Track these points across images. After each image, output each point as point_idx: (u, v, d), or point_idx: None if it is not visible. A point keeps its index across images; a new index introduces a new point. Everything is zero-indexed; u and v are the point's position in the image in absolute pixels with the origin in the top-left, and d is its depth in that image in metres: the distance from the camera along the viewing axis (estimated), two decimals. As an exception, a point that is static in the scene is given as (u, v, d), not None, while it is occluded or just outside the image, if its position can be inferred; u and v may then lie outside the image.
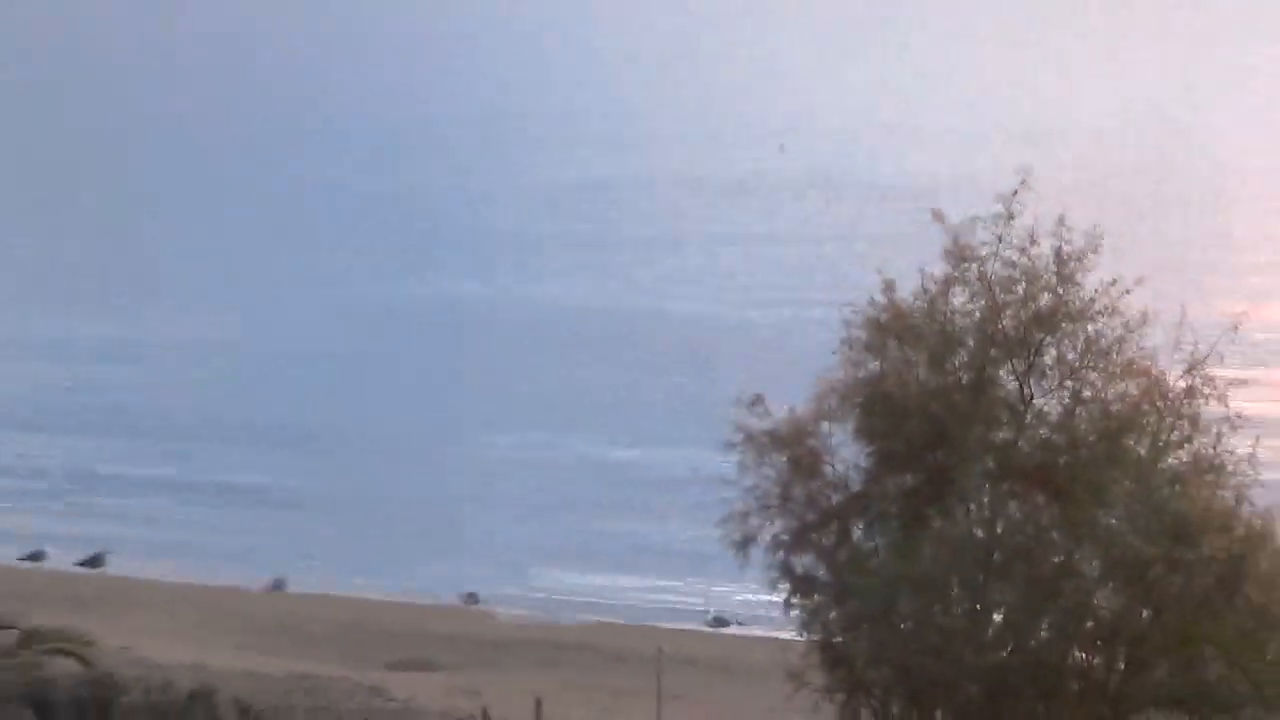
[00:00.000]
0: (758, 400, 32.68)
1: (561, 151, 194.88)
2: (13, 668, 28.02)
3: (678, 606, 54.67)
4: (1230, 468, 31.45)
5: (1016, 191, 32.20)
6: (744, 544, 32.78)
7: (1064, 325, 31.95)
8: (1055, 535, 31.16)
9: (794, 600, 32.82)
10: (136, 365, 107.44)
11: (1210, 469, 31.25)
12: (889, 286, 32.92)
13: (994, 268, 32.38)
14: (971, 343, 32.39)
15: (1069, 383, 32.01)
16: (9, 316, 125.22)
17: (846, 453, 33.03)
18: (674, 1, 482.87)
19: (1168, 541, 29.79)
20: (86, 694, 26.43)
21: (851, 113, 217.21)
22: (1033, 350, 32.03)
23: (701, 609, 56.47)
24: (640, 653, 50.53)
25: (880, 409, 31.94)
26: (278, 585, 64.17)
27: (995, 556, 31.41)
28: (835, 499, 32.20)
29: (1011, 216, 32.27)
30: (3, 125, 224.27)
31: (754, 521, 32.15)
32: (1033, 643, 30.62)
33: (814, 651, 32.40)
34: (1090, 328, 31.93)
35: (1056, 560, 30.98)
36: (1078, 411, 31.94)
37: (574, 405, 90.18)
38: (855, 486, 32.25)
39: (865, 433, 32.30)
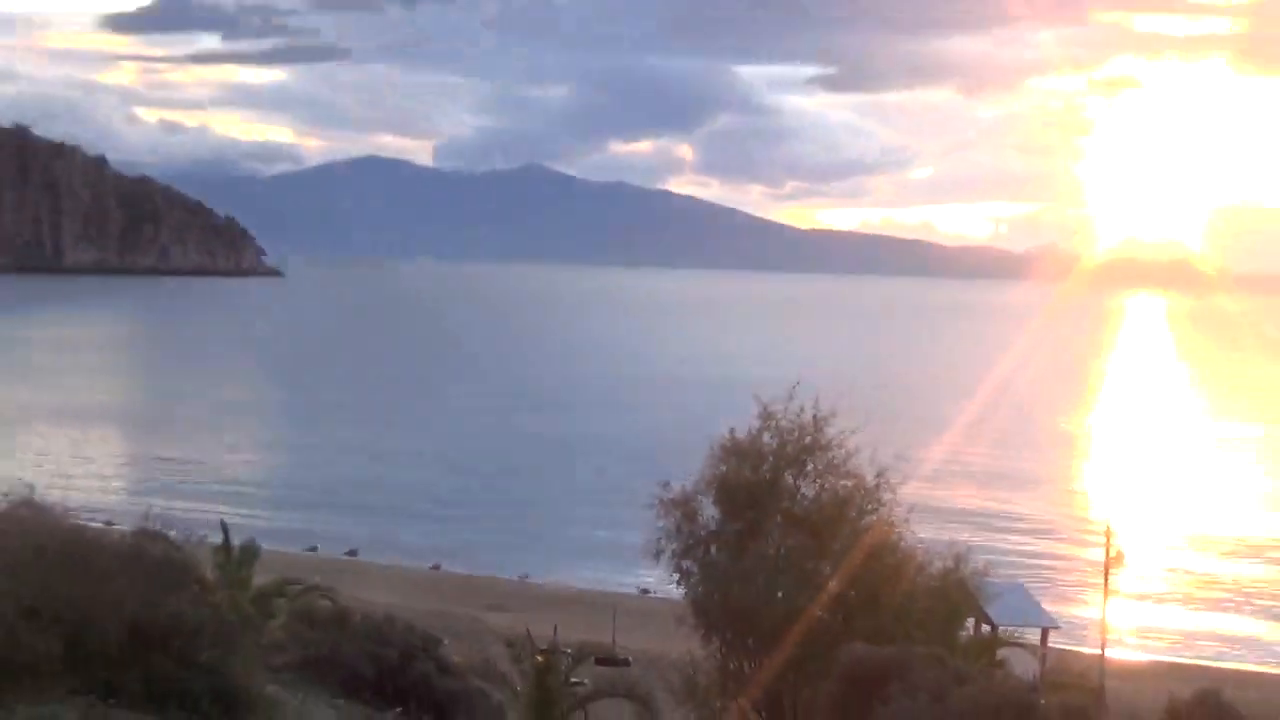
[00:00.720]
0: (666, 484, 33.50)
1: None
2: (298, 603, 28.30)
3: (624, 583, 54.89)
4: (897, 524, 32.72)
5: (794, 388, 33.48)
6: (658, 554, 33.59)
7: (816, 452, 33.03)
8: (809, 554, 32.12)
9: (680, 582, 33.76)
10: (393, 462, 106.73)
11: (887, 524, 32.43)
12: (733, 432, 33.80)
13: (783, 424, 33.34)
14: (771, 459, 33.32)
15: (818, 480, 33.07)
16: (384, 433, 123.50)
17: (709, 511, 33.71)
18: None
19: (864, 557, 30.93)
20: (332, 617, 26.77)
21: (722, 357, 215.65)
22: (801, 464, 33.12)
23: (636, 585, 56.89)
24: (606, 604, 51.65)
25: (726, 490, 32.90)
26: (435, 567, 64.87)
27: (780, 563, 32.33)
28: (703, 534, 33.09)
29: (791, 398, 33.34)
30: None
31: (663, 543, 32.97)
32: (798, 605, 30.73)
33: (689, 606, 33.26)
34: (829, 454, 33.02)
35: (809, 566, 31.86)
36: (822, 494, 32.96)
37: (581, 489, 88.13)
38: (713, 527, 33.10)
39: (718, 501, 33.17)
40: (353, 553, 69.22)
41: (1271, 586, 54.26)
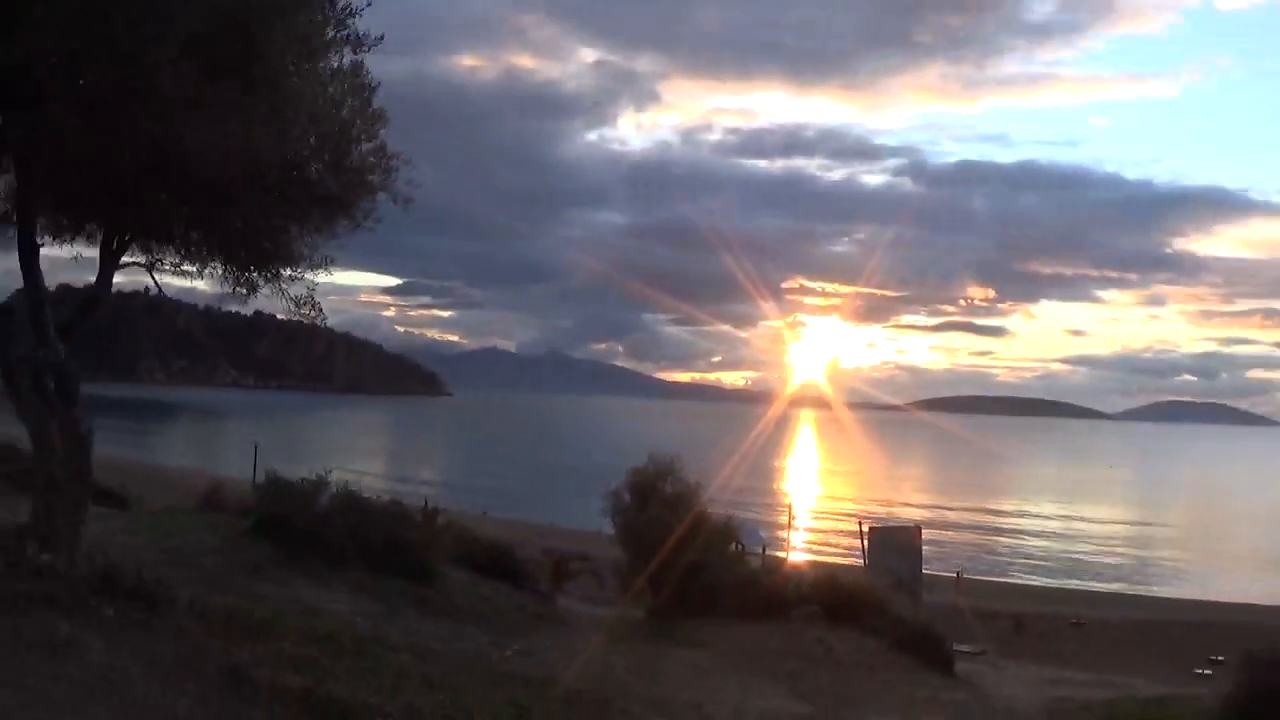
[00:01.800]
0: (609, 485, 32.26)
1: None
2: (457, 531, 27.49)
3: (593, 526, 53.92)
4: (704, 504, 30.72)
5: (664, 447, 32.00)
6: (605, 514, 32.05)
7: (671, 474, 31.03)
8: (669, 517, 30.18)
9: (615, 528, 32.32)
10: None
11: (700, 504, 30.69)
12: (635, 467, 32.39)
13: (658, 460, 31.55)
14: (652, 474, 31.12)
15: (671, 485, 30.64)
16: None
17: (626, 497, 32.06)
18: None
19: (691, 519, 28.75)
20: (470, 538, 26.20)
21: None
22: (665, 478, 31.35)
23: (599, 527, 55.65)
24: (586, 535, 49.91)
25: (633, 488, 31.42)
26: (513, 519, 63.43)
27: (654, 519, 30.67)
28: (623, 505, 31.48)
29: (663, 449, 31.26)
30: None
31: (607, 509, 31.63)
32: (662, 538, 26.14)
33: (618, 536, 31.79)
34: (676, 473, 31.33)
35: (667, 521, 30.02)
36: (673, 490, 31.10)
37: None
38: (628, 503, 31.64)
39: (630, 493, 31.35)
40: (484, 512, 65.94)
41: (851, 527, 54.69)
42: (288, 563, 16.34)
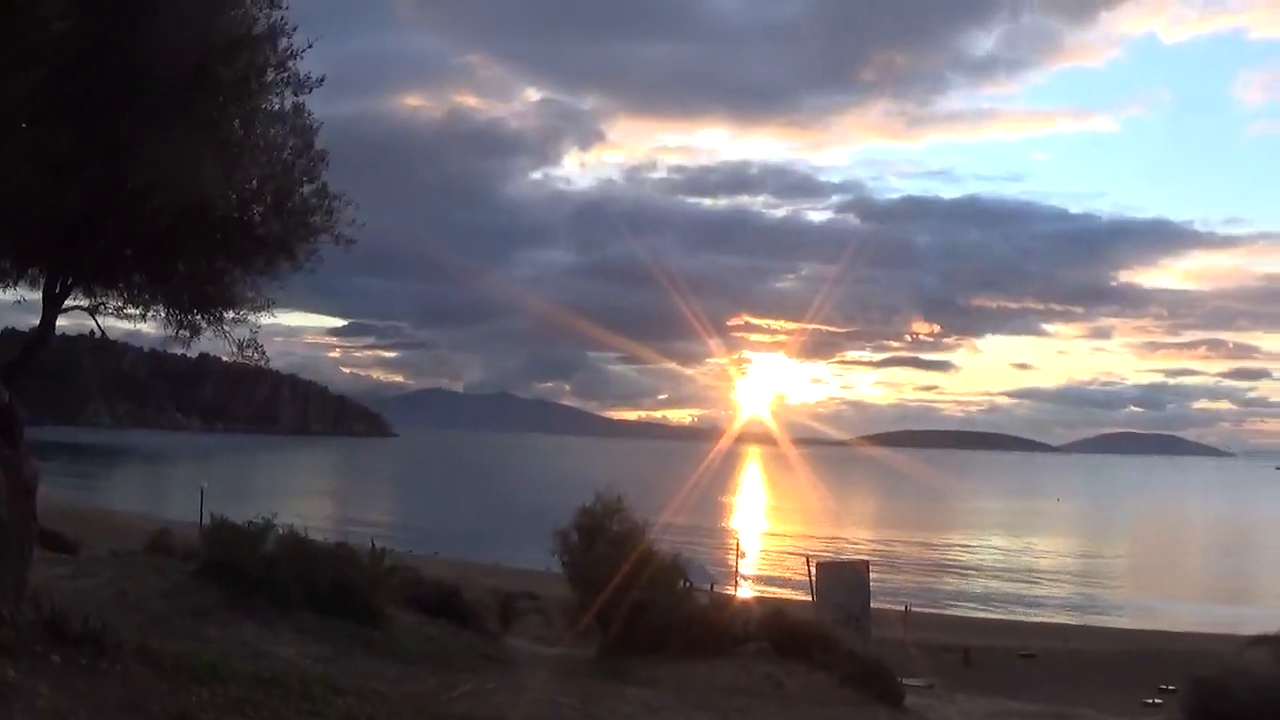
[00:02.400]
0: (557, 526, 32.11)
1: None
2: (403, 573, 27.09)
3: (541, 565, 53.32)
4: (652, 541, 30.69)
5: (610, 485, 31.83)
6: (555, 554, 31.88)
7: (619, 511, 31.39)
8: (615, 555, 30.03)
9: (564, 565, 32.08)
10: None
11: (648, 541, 30.63)
12: (585, 504, 32.72)
13: (605, 499, 31.69)
14: (600, 513, 31.41)
15: (619, 523, 30.97)
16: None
17: (574, 537, 32.11)
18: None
19: (638, 555, 28.88)
20: (416, 579, 25.98)
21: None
22: (612, 516, 31.53)
23: (545, 566, 55.39)
24: (533, 574, 49.78)
25: (579, 527, 31.39)
26: (460, 559, 62.54)
27: (601, 558, 30.62)
28: (571, 544, 31.37)
29: (609, 488, 31.51)
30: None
31: (556, 549, 31.44)
32: (609, 576, 27.33)
33: (566, 575, 31.40)
34: (623, 511, 31.40)
35: (613, 560, 30.09)
36: (621, 528, 31.31)
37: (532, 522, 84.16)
38: (576, 542, 31.48)
39: (578, 532, 31.49)
40: (435, 553, 64.98)
41: (799, 563, 54.94)
42: (235, 606, 16.30)
